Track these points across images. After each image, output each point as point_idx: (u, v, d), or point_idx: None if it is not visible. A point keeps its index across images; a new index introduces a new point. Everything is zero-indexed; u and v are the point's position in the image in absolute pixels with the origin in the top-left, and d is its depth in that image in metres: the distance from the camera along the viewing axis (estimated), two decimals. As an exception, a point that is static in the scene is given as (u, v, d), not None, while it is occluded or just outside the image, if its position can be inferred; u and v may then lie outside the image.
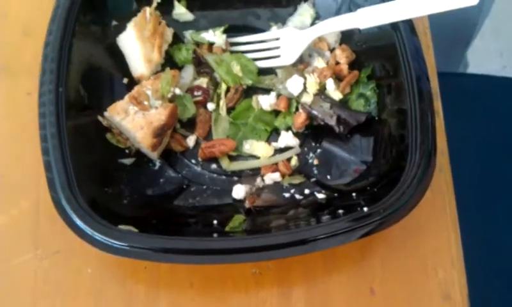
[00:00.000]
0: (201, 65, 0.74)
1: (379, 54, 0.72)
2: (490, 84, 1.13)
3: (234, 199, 0.67)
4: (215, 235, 0.60)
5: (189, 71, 0.74)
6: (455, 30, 1.04)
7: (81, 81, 0.67)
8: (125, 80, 0.72)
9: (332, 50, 0.76)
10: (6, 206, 0.66)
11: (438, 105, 0.73)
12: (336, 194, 0.66)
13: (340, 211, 0.61)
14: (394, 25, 0.68)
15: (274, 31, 0.77)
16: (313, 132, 0.72)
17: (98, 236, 0.56)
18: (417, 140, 0.62)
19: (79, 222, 0.56)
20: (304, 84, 0.72)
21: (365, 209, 0.59)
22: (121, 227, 0.57)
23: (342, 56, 0.73)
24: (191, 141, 0.71)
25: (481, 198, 0.97)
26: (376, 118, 0.70)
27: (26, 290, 0.63)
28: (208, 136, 0.72)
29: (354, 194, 0.64)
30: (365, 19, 0.69)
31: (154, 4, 0.74)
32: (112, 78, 0.72)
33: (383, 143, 0.67)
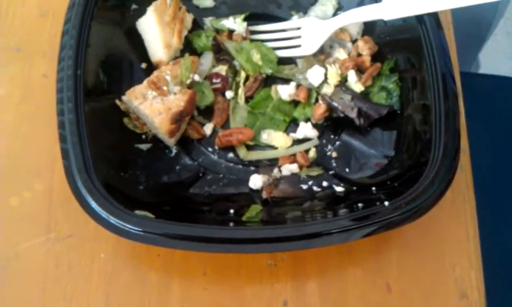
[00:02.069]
0: (220, 52, 0.73)
1: (402, 47, 0.71)
2: (503, 84, 1.11)
3: (251, 189, 0.66)
4: (231, 224, 0.59)
5: (208, 58, 0.73)
6: (469, 29, 1.02)
7: (100, 65, 0.66)
8: (143, 65, 0.71)
9: (354, 41, 0.74)
10: (19, 189, 0.65)
11: (460, 103, 0.72)
12: (355, 188, 0.65)
13: (360, 205, 0.60)
14: (419, 18, 0.67)
15: (296, 20, 0.76)
16: (333, 124, 0.71)
17: (113, 220, 0.55)
18: (441, 138, 0.61)
19: (94, 205, 0.55)
20: (325, 74, 0.71)
21: (386, 203, 0.57)
22: (137, 212, 0.56)
23: (365, 48, 0.72)
24: (208, 128, 0.70)
25: (496, 198, 0.96)
26: (398, 112, 0.68)
27: (38, 272, 0.62)
28: (225, 124, 0.71)
29: (373, 188, 0.63)
30: (389, 10, 0.67)
31: (175, -11, 0.73)
32: (131, 63, 0.71)
33: (405, 138, 0.66)
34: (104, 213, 0.55)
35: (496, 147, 1.02)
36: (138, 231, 0.54)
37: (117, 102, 0.66)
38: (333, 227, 0.56)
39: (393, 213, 0.57)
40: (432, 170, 0.59)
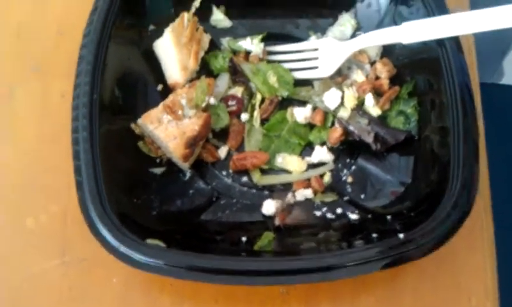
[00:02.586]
0: (236, 74, 0.72)
1: (421, 70, 0.69)
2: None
3: (264, 215, 0.65)
4: (243, 253, 0.59)
5: (224, 80, 0.72)
6: (491, 41, 1.00)
7: (116, 84, 0.66)
8: (159, 87, 0.71)
9: (372, 63, 0.73)
10: (36, 210, 0.66)
11: (480, 124, 0.70)
12: (370, 216, 0.64)
13: (374, 235, 0.59)
14: (439, 42, 0.65)
15: (313, 41, 0.75)
16: (349, 148, 0.70)
17: (124, 249, 0.55)
18: (459, 164, 0.59)
19: (105, 233, 0.55)
20: (342, 97, 0.69)
21: (401, 236, 0.56)
22: (149, 241, 0.56)
23: (383, 70, 0.70)
24: (222, 152, 0.69)
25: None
26: (416, 137, 0.67)
27: (51, 295, 0.63)
28: (240, 147, 0.70)
29: (389, 217, 0.62)
30: (409, 33, 0.66)
31: (192, 10, 0.73)
32: (147, 84, 0.71)
33: (423, 164, 0.64)
34: (114, 242, 0.55)
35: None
36: (150, 262, 0.54)
37: (132, 125, 0.66)
38: (346, 261, 0.55)
39: (407, 248, 0.56)
40: (450, 200, 0.58)
